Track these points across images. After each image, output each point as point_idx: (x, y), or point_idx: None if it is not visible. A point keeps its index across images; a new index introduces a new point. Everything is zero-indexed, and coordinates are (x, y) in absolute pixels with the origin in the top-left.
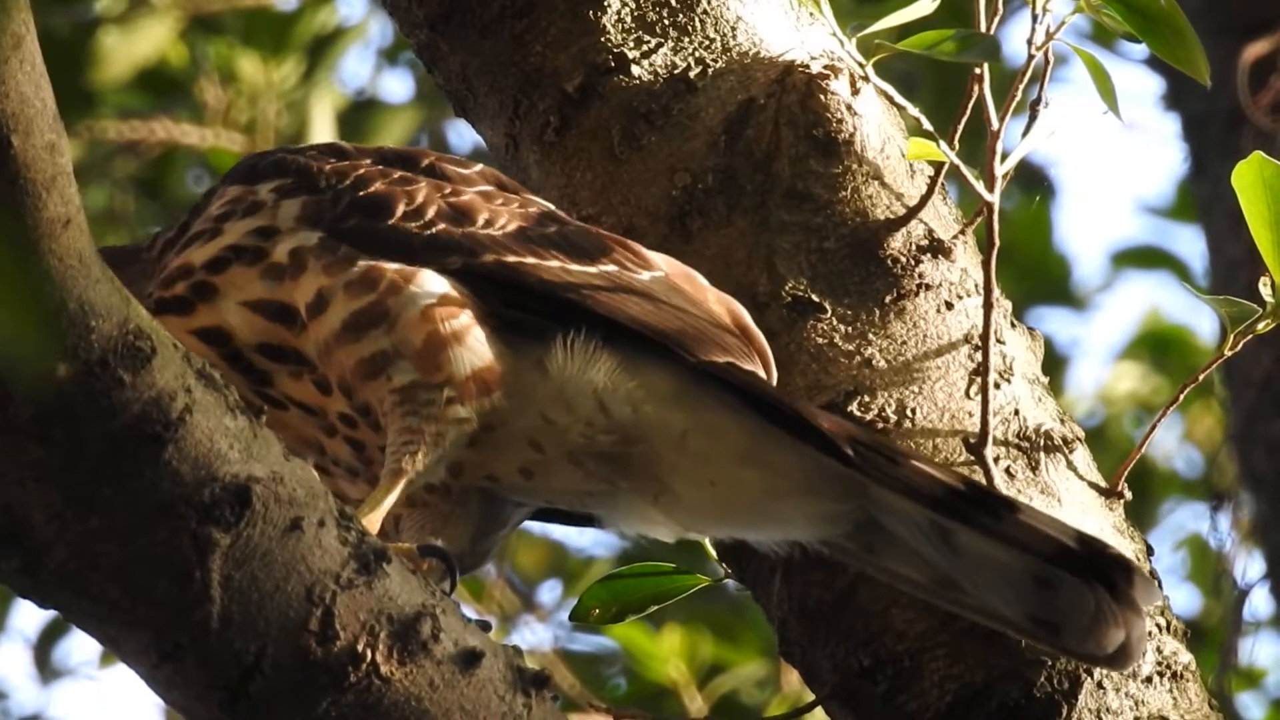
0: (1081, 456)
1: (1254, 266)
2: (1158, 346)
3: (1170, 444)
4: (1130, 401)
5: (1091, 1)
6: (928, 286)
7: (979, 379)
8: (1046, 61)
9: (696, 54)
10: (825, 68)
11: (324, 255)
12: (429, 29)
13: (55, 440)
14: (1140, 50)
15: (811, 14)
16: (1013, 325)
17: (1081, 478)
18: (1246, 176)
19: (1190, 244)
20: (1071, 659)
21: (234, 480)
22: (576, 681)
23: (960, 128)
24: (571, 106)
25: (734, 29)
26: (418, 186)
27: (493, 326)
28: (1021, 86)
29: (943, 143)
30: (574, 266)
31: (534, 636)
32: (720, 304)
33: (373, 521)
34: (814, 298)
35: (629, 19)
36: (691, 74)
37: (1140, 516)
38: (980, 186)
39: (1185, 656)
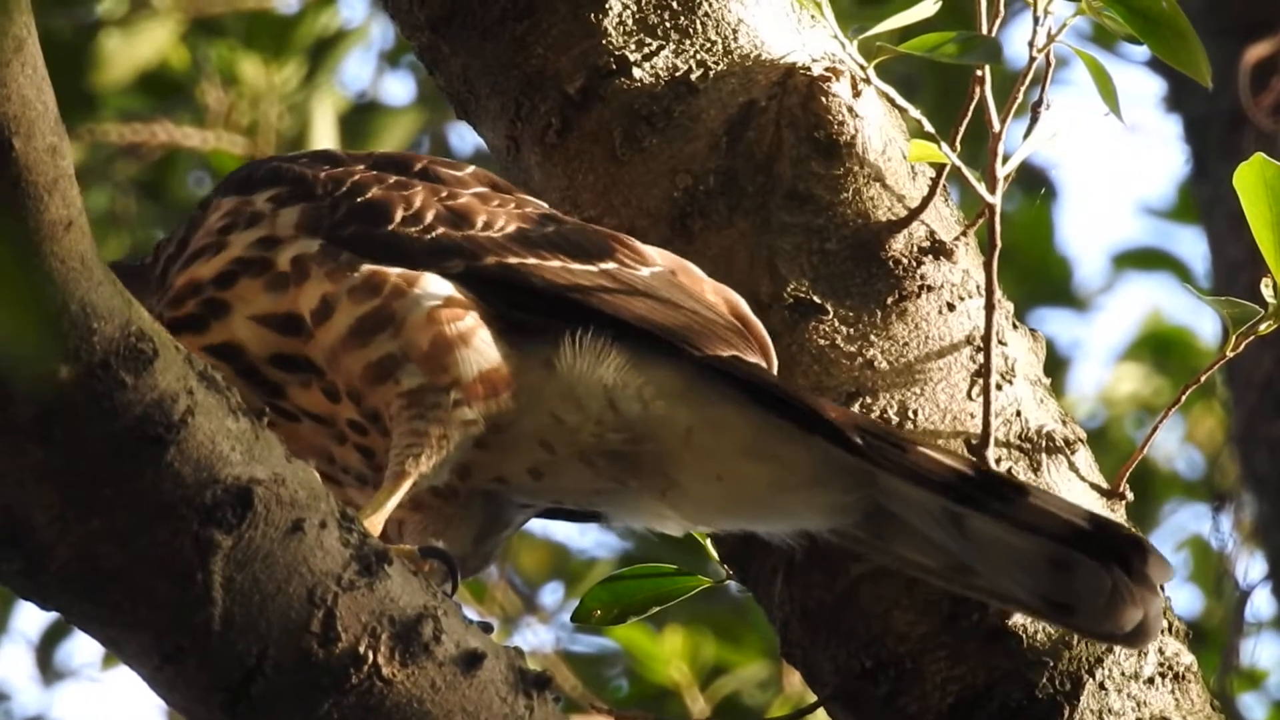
0: (1083, 458)
1: (1255, 268)
2: (1159, 348)
3: (1172, 445)
4: (1132, 403)
5: (1093, 3)
6: (929, 288)
7: (981, 380)
8: (1048, 63)
9: (698, 56)
10: (827, 70)
11: (326, 262)
12: (430, 31)
13: (56, 442)
14: (1141, 52)
15: (813, 16)
16: (1014, 326)
17: (1083, 479)
18: (1248, 178)
19: (1192, 245)
20: (1087, 638)
21: (236, 482)
22: (578, 683)
23: (962, 130)
24: (573, 108)
25: (735, 31)
26: (414, 191)
27: (498, 328)
28: (1023, 88)
29: (944, 144)
30: (575, 266)
31: (536, 638)
32: (717, 294)
33: (375, 523)
34: (816, 299)
35: (630, 21)
36: (693, 76)
37: (1142, 518)
38: (982, 188)
39: (1187, 658)
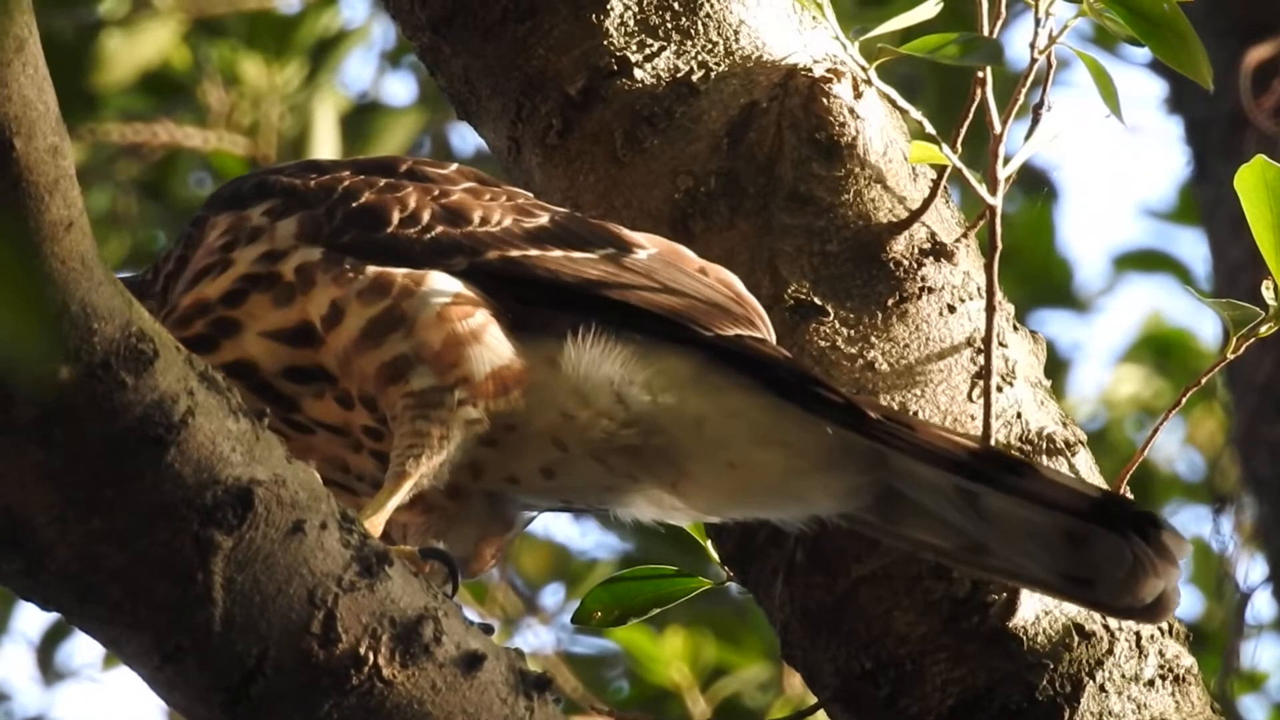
0: (1083, 460)
1: (1256, 270)
2: (1160, 350)
3: (1172, 447)
4: (1132, 405)
5: (1094, 5)
6: (930, 289)
7: (981, 382)
8: (1049, 65)
9: (699, 57)
10: (828, 71)
11: (331, 268)
12: (432, 32)
13: (57, 442)
14: (1143, 54)
15: (814, 17)
16: (1015, 328)
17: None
18: (1249, 180)
19: (1192, 247)
20: (1106, 614)
21: (236, 483)
22: (579, 684)
23: (963, 131)
24: (574, 109)
25: (736, 32)
26: (407, 192)
27: (506, 324)
28: (1024, 90)
29: (945, 146)
30: (577, 255)
31: (536, 639)
32: (709, 272)
33: (375, 524)
34: (816, 300)
35: (631, 22)
36: (694, 77)
37: None
38: (983, 190)
39: (1187, 660)
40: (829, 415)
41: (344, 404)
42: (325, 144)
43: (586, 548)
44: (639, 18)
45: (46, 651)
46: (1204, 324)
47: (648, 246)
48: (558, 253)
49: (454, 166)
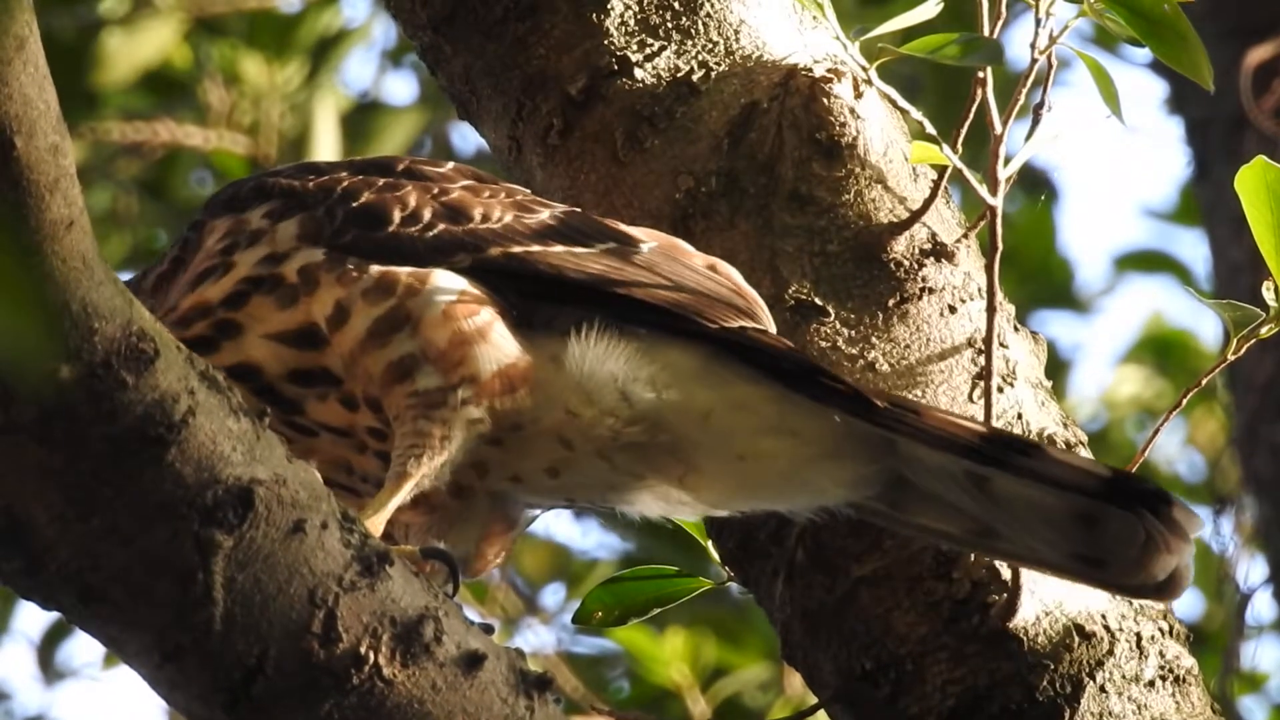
0: None
1: (1257, 270)
2: (1160, 350)
3: (1173, 448)
4: (1133, 405)
5: (1095, 5)
6: (931, 290)
7: (982, 383)
8: (1050, 65)
9: (700, 57)
10: (828, 71)
11: (334, 268)
12: (432, 31)
13: (57, 441)
14: (1143, 54)
15: (815, 17)
16: (1016, 329)
17: None
18: (1249, 181)
19: (1193, 248)
20: (1118, 594)
21: (237, 482)
22: (579, 684)
23: (963, 131)
24: (575, 109)
25: (737, 32)
26: (406, 191)
27: (510, 322)
28: (1025, 90)
29: (946, 146)
30: (578, 250)
31: (537, 639)
32: (708, 264)
33: (376, 524)
34: (817, 301)
35: (632, 22)
36: (694, 77)
37: None
38: (983, 190)
39: (1188, 660)
40: (836, 404)
41: (348, 406)
42: (326, 143)
43: (587, 548)
44: (639, 17)
45: (47, 651)
46: (1205, 325)
47: (648, 241)
48: (560, 248)
49: (450, 165)
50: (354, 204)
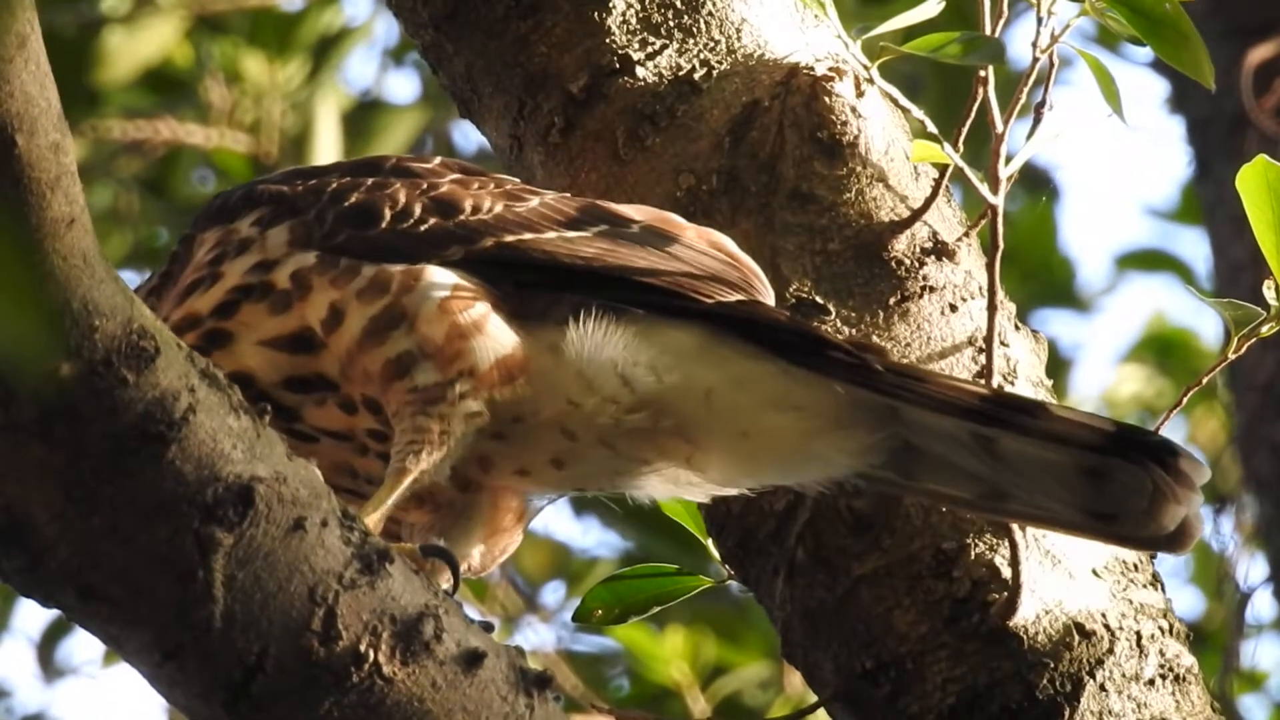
0: None
1: (1257, 269)
2: (1162, 349)
3: None
4: (1134, 404)
5: (1096, 4)
6: (932, 289)
7: (983, 381)
8: (1051, 64)
9: (701, 56)
10: (830, 70)
11: (327, 270)
12: (434, 29)
13: (58, 439)
14: (1145, 53)
15: (816, 16)
16: (1017, 328)
17: None
18: (1251, 180)
19: (1194, 247)
20: (1131, 547)
21: (237, 480)
22: (579, 682)
23: (965, 130)
24: (576, 107)
25: (739, 31)
26: (395, 189)
27: (507, 312)
28: (1026, 89)
29: (947, 145)
30: (570, 234)
31: (537, 637)
32: (701, 237)
33: (375, 521)
34: (818, 299)
35: (634, 20)
36: (696, 75)
37: None
38: (984, 189)
39: (1188, 659)
40: (838, 374)
41: (347, 409)
42: (327, 142)
43: (587, 546)
44: (641, 16)
45: (47, 648)
46: (1205, 324)
47: (638, 219)
48: (552, 234)
49: (438, 160)
50: (344, 204)
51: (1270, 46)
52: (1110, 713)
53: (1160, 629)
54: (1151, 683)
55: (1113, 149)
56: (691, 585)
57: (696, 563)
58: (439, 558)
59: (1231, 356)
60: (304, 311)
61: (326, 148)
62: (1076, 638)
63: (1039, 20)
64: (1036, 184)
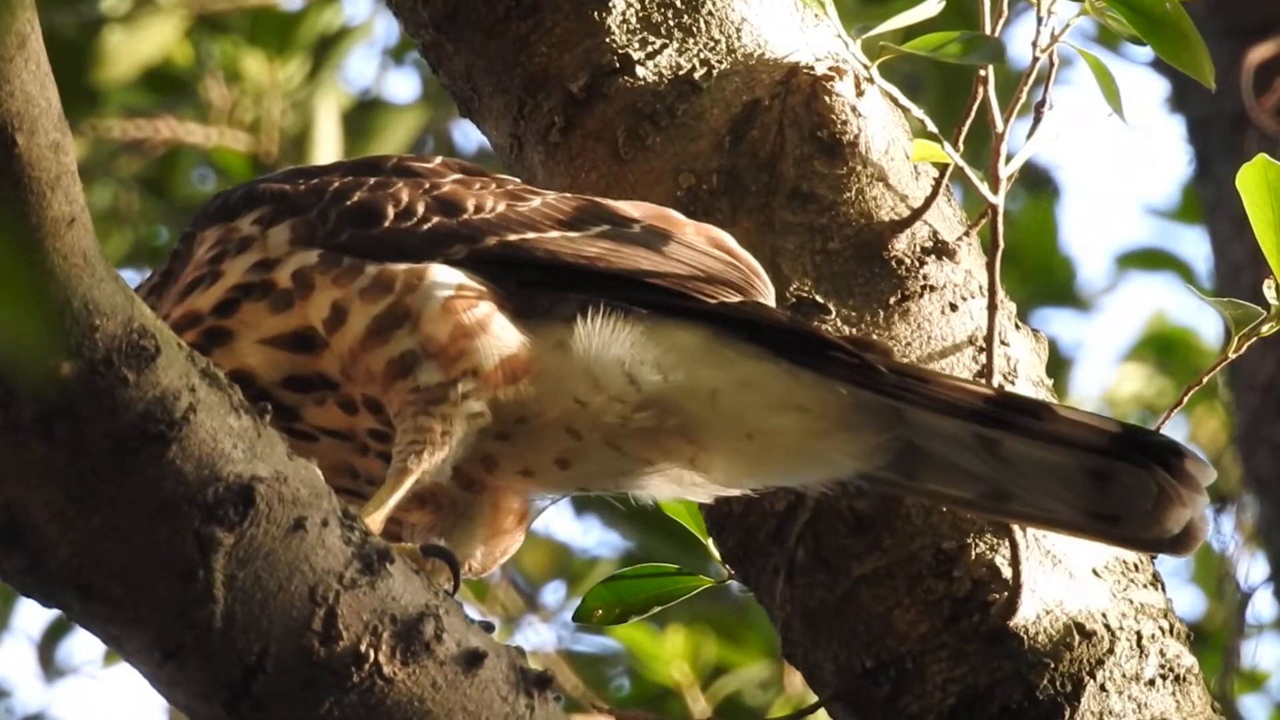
0: None
1: (1258, 269)
2: (1162, 349)
3: None
4: (1134, 404)
5: (1096, 4)
6: (932, 288)
7: (983, 380)
8: (1051, 64)
9: (701, 55)
10: (830, 69)
11: (330, 269)
12: (434, 29)
13: (58, 439)
14: (1145, 53)
15: (816, 15)
16: (1017, 327)
17: None
18: (1251, 179)
19: (1195, 246)
20: (1134, 549)
21: (237, 480)
22: (580, 682)
23: (965, 130)
24: (576, 107)
25: (739, 30)
26: (398, 188)
27: (511, 312)
28: (1026, 89)
29: (947, 144)
30: (573, 234)
31: (537, 637)
32: (700, 234)
33: (376, 521)
34: (819, 299)
35: (634, 20)
36: (696, 75)
37: None
38: (985, 188)
39: (1188, 659)
40: (842, 375)
41: (347, 409)
42: (327, 141)
43: (587, 546)
44: (641, 15)
45: (47, 648)
46: (1206, 323)
47: (638, 217)
48: (555, 233)
49: (439, 159)
50: (346, 203)
51: (1270, 46)
52: (1110, 713)
53: (1161, 629)
54: (1152, 683)
55: (1113, 148)
56: (692, 585)
57: (697, 563)
58: (440, 558)
59: (1232, 356)
60: (306, 310)
61: (326, 147)
62: (1077, 638)
63: (1039, 20)
64: (1037, 183)
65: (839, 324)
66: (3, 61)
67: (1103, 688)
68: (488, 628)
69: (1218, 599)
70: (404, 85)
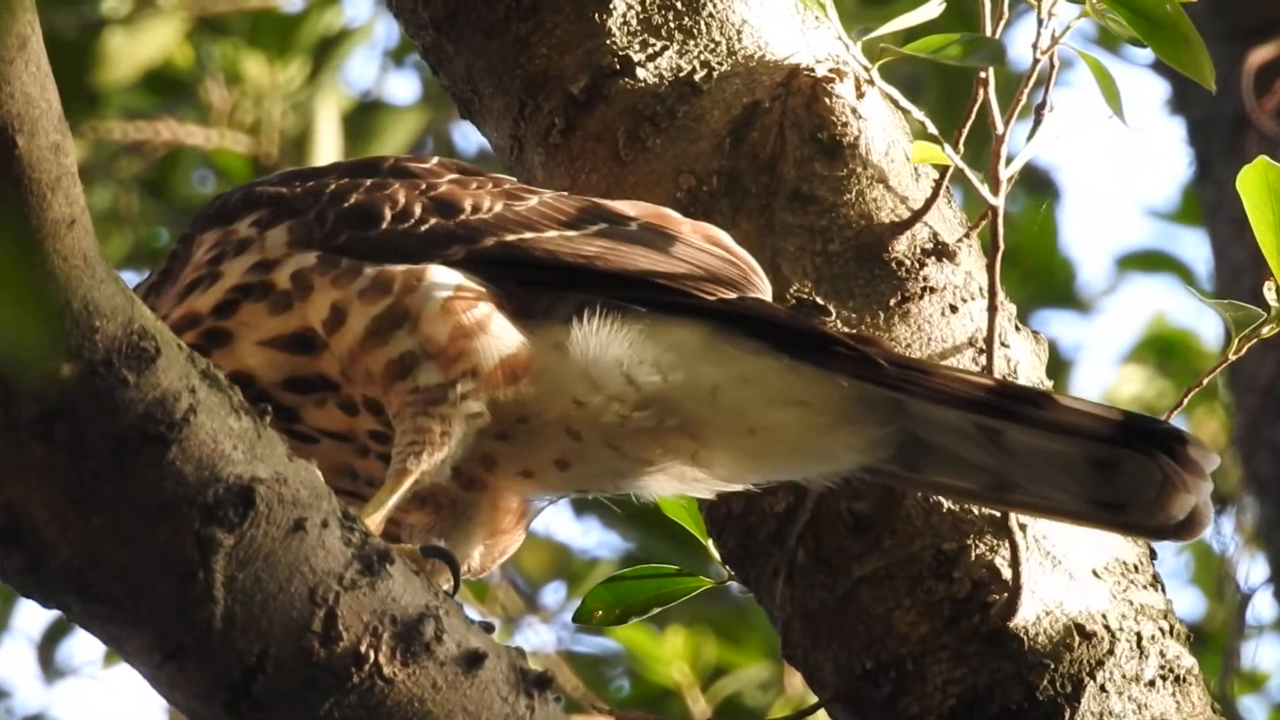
0: None
1: (1258, 270)
2: (1162, 350)
3: None
4: (1135, 405)
5: (1097, 6)
6: (932, 290)
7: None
8: (1051, 65)
9: (702, 57)
10: (830, 71)
11: (328, 270)
12: (434, 31)
13: (58, 440)
14: (1145, 55)
15: (817, 17)
16: (1017, 328)
17: None
18: (1251, 181)
19: (1195, 248)
20: (1139, 536)
21: (238, 481)
22: (580, 683)
23: (965, 131)
24: (577, 109)
25: (739, 32)
26: (394, 189)
27: (510, 312)
28: (1026, 90)
29: (947, 146)
30: (570, 233)
31: (537, 638)
32: (697, 231)
33: (376, 522)
34: (819, 300)
35: (634, 21)
36: (696, 77)
37: None
38: (985, 190)
39: (1188, 660)
40: (842, 369)
41: (347, 410)
42: (327, 143)
43: (588, 546)
44: (642, 17)
45: (47, 649)
46: (1206, 325)
47: (635, 216)
48: (553, 233)
49: (435, 160)
50: (344, 205)
51: (1271, 48)
52: (1111, 714)
53: (1161, 630)
54: (1152, 684)
55: (1113, 150)
56: (692, 586)
57: (697, 564)
58: (439, 558)
59: (1232, 358)
60: (305, 311)
61: (326, 149)
62: (1077, 639)
63: (1039, 22)
64: (1037, 185)
65: (839, 326)
66: (3, 63)
67: (1103, 689)
68: (488, 628)
69: (1218, 600)
70: (404, 87)
